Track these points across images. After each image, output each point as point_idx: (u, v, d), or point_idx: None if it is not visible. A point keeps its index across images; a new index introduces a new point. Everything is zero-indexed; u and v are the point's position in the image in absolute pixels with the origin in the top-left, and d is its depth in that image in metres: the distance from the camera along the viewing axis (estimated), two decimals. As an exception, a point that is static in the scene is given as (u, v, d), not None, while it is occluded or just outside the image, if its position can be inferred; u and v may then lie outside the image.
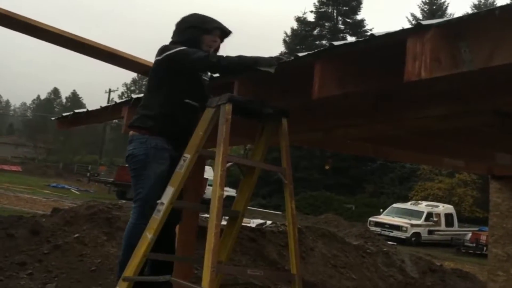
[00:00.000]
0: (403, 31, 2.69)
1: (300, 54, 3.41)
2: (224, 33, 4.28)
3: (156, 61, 4.11)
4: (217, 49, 4.26)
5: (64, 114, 7.48)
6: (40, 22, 4.95)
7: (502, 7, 2.37)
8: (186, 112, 4.02)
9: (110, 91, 61.63)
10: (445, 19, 2.59)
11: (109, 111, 6.25)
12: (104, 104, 7.04)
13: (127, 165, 4.40)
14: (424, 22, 2.58)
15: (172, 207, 3.67)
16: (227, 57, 3.82)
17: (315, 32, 53.06)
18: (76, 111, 7.07)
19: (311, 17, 52.72)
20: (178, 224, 4.33)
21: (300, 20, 52.71)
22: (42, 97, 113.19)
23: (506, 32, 2.38)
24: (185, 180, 3.70)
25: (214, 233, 3.23)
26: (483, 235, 23.64)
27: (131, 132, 4.13)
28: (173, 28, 4.31)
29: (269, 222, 14.87)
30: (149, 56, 4.55)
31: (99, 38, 5.10)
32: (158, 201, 3.66)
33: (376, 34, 2.87)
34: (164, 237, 4.04)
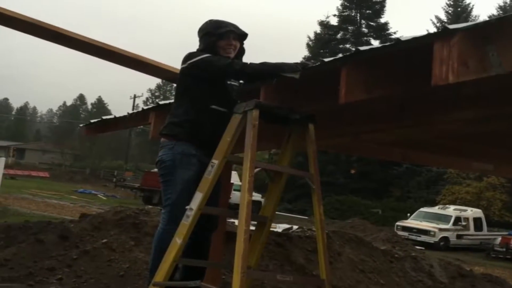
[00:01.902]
0: (429, 35, 2.69)
1: (326, 60, 3.41)
2: (240, 36, 4.28)
3: (181, 69, 4.18)
4: (238, 52, 4.26)
5: (91, 121, 7.57)
6: (68, 31, 5.04)
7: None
8: (213, 118, 4.04)
9: (135, 96, 62.06)
10: (472, 23, 2.58)
11: (136, 117, 6.31)
12: (129, 109, 7.12)
13: (153, 170, 4.47)
14: (451, 26, 2.57)
15: (202, 213, 3.70)
16: (251, 64, 3.85)
17: (339, 36, 52.87)
18: (104, 117, 7.14)
19: (334, 21, 52.60)
20: (214, 231, 4.35)
21: (323, 24, 52.54)
22: (68, 103, 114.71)
23: (535, 35, 2.37)
24: (213, 185, 3.73)
25: (243, 239, 3.24)
26: (513, 239, 23.32)
27: (161, 139, 4.20)
28: None
29: (295, 227, 14.85)
30: (177, 62, 4.59)
31: (127, 45, 5.17)
32: (187, 207, 3.69)
33: (403, 39, 2.87)
34: (199, 243, 4.08)
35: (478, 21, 2.66)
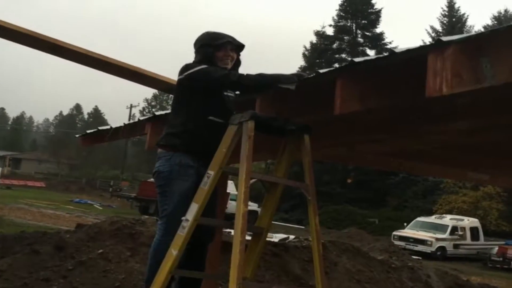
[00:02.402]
0: (423, 47, 2.71)
1: (321, 71, 3.44)
2: (237, 47, 4.31)
3: (178, 80, 4.19)
4: (235, 63, 4.29)
5: (88, 131, 7.57)
6: (65, 42, 5.06)
7: (523, 23, 2.37)
8: (210, 129, 4.04)
9: (131, 106, 62.08)
10: (465, 35, 2.60)
11: (132, 128, 6.32)
12: (126, 119, 7.14)
13: (149, 180, 4.48)
14: (444, 38, 2.59)
15: (198, 224, 3.70)
16: (248, 75, 3.86)
17: (335, 45, 53.06)
18: (100, 128, 7.15)
19: (330, 31, 52.85)
20: (210, 243, 4.35)
21: (319, 34, 52.77)
22: (65, 113, 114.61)
23: (528, 47, 2.39)
24: (209, 196, 3.73)
25: (239, 250, 3.25)
26: (509, 249, 23.34)
27: (159, 150, 4.20)
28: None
29: (292, 236, 14.83)
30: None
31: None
32: (183, 218, 3.69)
33: (397, 51, 2.89)
34: (196, 256, 4.08)
35: (472, 32, 2.69)
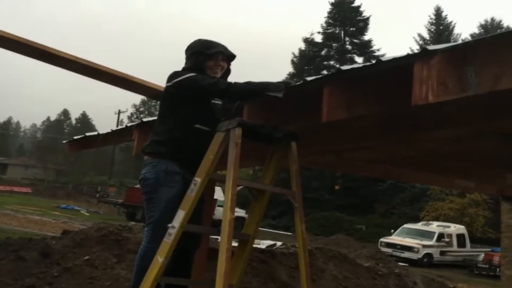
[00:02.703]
0: (409, 56, 2.73)
1: (309, 79, 3.45)
2: (228, 56, 4.32)
3: (166, 88, 4.19)
4: (224, 72, 4.30)
5: (75, 137, 7.54)
6: (53, 49, 5.04)
7: (507, 33, 2.40)
8: (196, 137, 4.04)
9: (119, 112, 61.88)
10: (451, 44, 2.62)
11: (120, 134, 6.31)
12: (113, 125, 7.14)
13: (137, 186, 4.46)
14: (430, 47, 2.62)
15: (185, 230, 3.69)
16: (236, 83, 3.87)
17: (323, 52, 53.24)
18: (87, 134, 7.13)
19: (318, 38, 53.06)
20: (196, 250, 4.33)
21: (308, 41, 52.96)
22: (52, 118, 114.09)
23: (511, 56, 2.41)
24: (195, 203, 3.73)
25: (225, 257, 3.25)
26: (496, 256, 23.40)
27: (145, 157, 4.19)
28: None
29: (279, 243, 14.83)
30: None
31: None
32: (169, 225, 3.69)
33: (383, 59, 2.91)
34: (182, 262, 4.07)
35: (458, 40, 2.71)
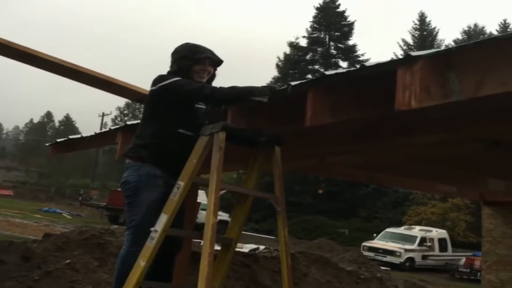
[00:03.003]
0: (393, 62, 2.75)
1: (293, 83, 3.45)
2: (215, 62, 4.31)
3: (151, 92, 4.14)
4: (210, 77, 4.29)
5: (58, 140, 7.49)
6: (36, 51, 5.00)
7: (489, 40, 2.42)
8: (180, 141, 4.03)
9: (103, 115, 61.60)
10: (433, 50, 2.64)
11: (103, 137, 6.28)
12: (97, 127, 7.12)
13: (120, 189, 4.42)
14: (414, 53, 2.64)
15: (167, 234, 3.68)
16: (221, 88, 3.86)
17: (308, 57, 53.45)
18: (71, 137, 7.08)
19: (303, 42, 53.26)
20: (179, 253, 4.31)
21: (293, 45, 53.13)
22: (35, 120, 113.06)
23: (493, 63, 2.44)
24: (178, 207, 3.71)
25: (207, 262, 3.23)
26: (477, 260, 23.57)
27: (127, 160, 4.16)
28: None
29: (262, 247, 14.82)
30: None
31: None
32: (152, 229, 3.67)
33: (367, 64, 2.93)
34: (163, 266, 4.04)
35: (442, 46, 2.74)
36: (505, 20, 57.23)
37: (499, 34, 2.52)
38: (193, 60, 4.15)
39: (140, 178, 3.98)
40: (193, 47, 4.25)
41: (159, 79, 4.08)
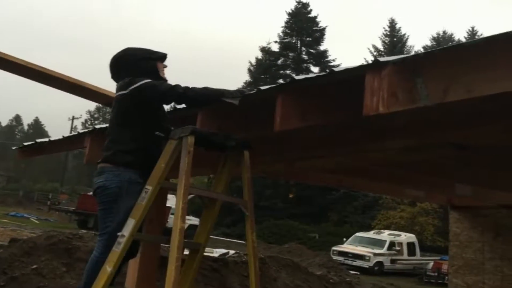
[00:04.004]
0: (361, 67, 2.76)
1: (263, 88, 3.45)
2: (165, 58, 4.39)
3: (122, 95, 4.06)
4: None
5: (25, 144, 7.37)
6: (3, 53, 4.92)
7: (455, 46, 2.45)
8: (157, 144, 4.00)
9: (73, 118, 60.81)
10: (401, 56, 2.66)
11: (72, 141, 6.20)
12: (67, 131, 7.00)
13: (90, 193, 4.34)
14: (382, 59, 2.65)
15: (134, 239, 3.64)
16: (194, 88, 3.84)
17: (279, 62, 53.66)
18: (38, 140, 6.98)
19: (275, 47, 53.43)
20: (132, 258, 4.25)
21: (265, 50, 53.30)
22: (4, 124, 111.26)
23: (459, 69, 2.47)
24: (146, 212, 3.68)
25: (175, 267, 3.21)
26: (444, 264, 23.85)
27: (102, 164, 4.05)
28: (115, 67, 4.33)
29: (232, 251, 14.78)
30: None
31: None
32: (119, 233, 3.62)
33: (336, 69, 2.94)
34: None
35: (411, 52, 2.76)
36: (473, 28, 58.42)
37: (465, 41, 2.55)
38: (154, 59, 4.20)
39: (121, 184, 3.90)
40: (145, 49, 4.33)
41: (130, 82, 4.03)
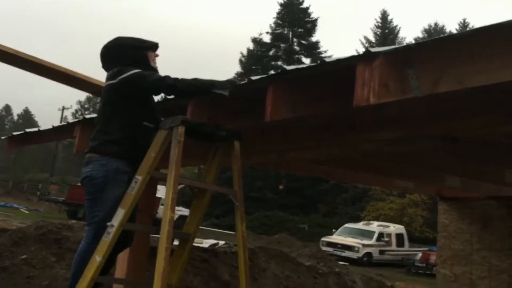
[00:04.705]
0: (352, 58, 2.75)
1: (253, 78, 3.45)
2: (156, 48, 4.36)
3: (111, 85, 4.05)
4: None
5: (14, 133, 7.33)
6: (-10, 41, 4.87)
7: (446, 37, 2.46)
8: (145, 134, 3.99)
9: (63, 108, 60.57)
10: (392, 46, 2.66)
11: (61, 131, 6.17)
12: (57, 122, 6.99)
13: (79, 184, 4.32)
14: (373, 49, 2.65)
15: (124, 229, 3.63)
16: (183, 79, 3.83)
17: (271, 53, 53.58)
18: (27, 130, 6.94)
19: (267, 38, 53.33)
20: (127, 247, 4.25)
21: (256, 41, 53.18)
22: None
23: (451, 60, 2.47)
24: (136, 201, 3.67)
25: (164, 256, 3.21)
26: (432, 255, 23.97)
27: (89, 154, 4.03)
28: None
29: (222, 242, 14.80)
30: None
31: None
32: (108, 223, 3.61)
33: (327, 60, 2.93)
34: (107, 261, 3.96)
35: (400, 45, 2.76)
36: (464, 20, 58.62)
37: (457, 32, 2.55)
38: (146, 48, 4.19)
39: (108, 174, 3.88)
40: (136, 38, 4.30)
41: (119, 71, 4.01)
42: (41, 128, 6.68)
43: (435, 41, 2.49)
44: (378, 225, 30.47)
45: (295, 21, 52.89)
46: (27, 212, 33.73)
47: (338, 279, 9.95)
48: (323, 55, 49.92)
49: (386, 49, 2.64)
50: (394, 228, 30.36)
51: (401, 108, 3.21)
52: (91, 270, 3.56)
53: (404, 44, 2.88)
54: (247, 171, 35.32)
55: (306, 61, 50.41)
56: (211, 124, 3.83)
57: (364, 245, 27.59)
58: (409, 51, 2.62)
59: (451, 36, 2.47)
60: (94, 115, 5.14)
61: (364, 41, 57.13)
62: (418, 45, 2.58)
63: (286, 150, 4.85)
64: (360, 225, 30.99)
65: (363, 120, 3.87)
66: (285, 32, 53.64)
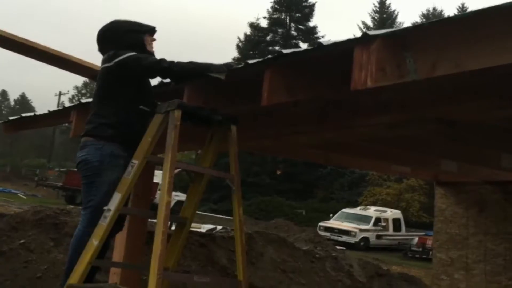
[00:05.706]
0: (350, 41, 2.74)
1: (250, 62, 3.43)
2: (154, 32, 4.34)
3: (106, 68, 4.03)
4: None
5: (10, 118, 7.31)
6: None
7: (444, 20, 2.44)
8: (141, 118, 3.98)
9: (60, 94, 60.37)
10: (390, 29, 2.65)
11: (57, 115, 6.15)
12: (54, 107, 6.94)
13: (75, 169, 4.31)
14: (370, 33, 2.63)
15: (120, 213, 3.63)
16: (179, 62, 3.81)
17: (268, 38, 53.34)
18: (23, 115, 6.93)
19: (264, 23, 53.08)
20: (119, 232, 4.25)
21: (254, 26, 52.92)
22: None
23: (448, 43, 2.46)
24: (132, 186, 3.67)
25: (161, 240, 3.21)
26: (429, 239, 24.08)
27: (84, 138, 4.03)
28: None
29: (219, 227, 14.86)
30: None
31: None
32: (105, 207, 3.61)
33: (324, 43, 2.92)
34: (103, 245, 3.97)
35: (397, 27, 2.74)
36: (463, 4, 58.16)
37: (454, 15, 2.54)
38: (143, 32, 4.17)
39: (103, 158, 3.88)
40: (133, 21, 4.29)
41: (114, 55, 3.99)
42: (38, 113, 6.66)
43: (433, 23, 2.47)
44: (375, 210, 30.62)
45: (292, 5, 52.60)
46: (25, 197, 33.81)
47: (335, 263, 10.00)
48: (320, 40, 49.55)
49: (384, 32, 2.62)
50: (391, 213, 30.51)
51: (398, 91, 3.20)
52: (88, 254, 3.56)
53: (404, 25, 2.86)
54: (244, 157, 35.33)
55: (304, 46, 50.00)
56: (207, 108, 3.81)
57: (361, 230, 27.73)
58: (406, 34, 2.60)
59: (448, 19, 2.46)
60: (90, 100, 5.13)
61: (362, 26, 56.98)
62: (416, 28, 2.56)
63: (283, 135, 4.84)
64: (357, 210, 31.14)
65: (359, 104, 3.86)
66: (283, 17, 53.38)
